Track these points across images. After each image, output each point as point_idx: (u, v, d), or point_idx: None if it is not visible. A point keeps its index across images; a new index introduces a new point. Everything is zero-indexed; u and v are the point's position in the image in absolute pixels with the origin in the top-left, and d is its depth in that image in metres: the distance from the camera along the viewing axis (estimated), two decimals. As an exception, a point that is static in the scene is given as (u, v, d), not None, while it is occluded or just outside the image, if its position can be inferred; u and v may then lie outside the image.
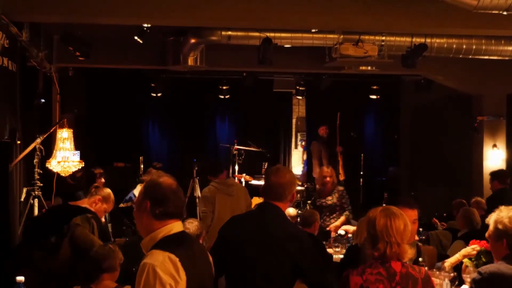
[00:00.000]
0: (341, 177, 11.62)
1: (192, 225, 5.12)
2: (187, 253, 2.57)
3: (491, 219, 3.34)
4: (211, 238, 5.16)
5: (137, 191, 7.92)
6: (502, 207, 3.35)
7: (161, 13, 6.30)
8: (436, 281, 3.81)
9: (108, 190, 5.61)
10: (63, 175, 6.81)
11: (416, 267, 3.05)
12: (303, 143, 13.07)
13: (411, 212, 3.76)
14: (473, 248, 4.50)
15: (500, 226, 3.26)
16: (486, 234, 3.40)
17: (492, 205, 7.55)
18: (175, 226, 2.63)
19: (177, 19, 6.52)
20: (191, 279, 2.50)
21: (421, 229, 6.38)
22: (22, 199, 6.37)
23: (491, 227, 3.33)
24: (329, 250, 6.60)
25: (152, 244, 2.57)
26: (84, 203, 5.41)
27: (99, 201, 5.44)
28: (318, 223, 6.26)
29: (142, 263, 2.47)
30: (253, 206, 9.72)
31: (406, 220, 3.06)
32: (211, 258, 2.83)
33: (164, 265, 2.43)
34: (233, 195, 6.82)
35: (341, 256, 5.74)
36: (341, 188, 7.51)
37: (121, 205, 8.19)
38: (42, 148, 6.32)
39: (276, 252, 3.25)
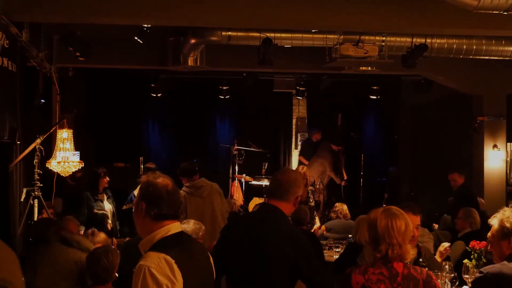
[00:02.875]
0: (344, 178, 11.63)
1: (188, 225, 5.12)
2: (185, 254, 2.57)
3: (495, 219, 3.34)
4: None
5: (137, 191, 7.92)
6: (506, 208, 3.35)
7: (161, 13, 6.29)
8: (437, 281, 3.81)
9: (102, 236, 5.44)
10: (63, 175, 6.81)
11: (418, 268, 3.04)
12: (303, 144, 13.07)
13: (414, 218, 3.78)
14: (445, 248, 4.85)
15: (508, 225, 3.26)
16: (489, 234, 3.39)
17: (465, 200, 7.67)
18: (173, 227, 2.63)
19: (177, 19, 6.52)
20: (189, 280, 2.49)
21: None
22: (22, 200, 6.36)
23: (495, 227, 3.32)
24: (330, 252, 6.63)
25: (149, 245, 2.57)
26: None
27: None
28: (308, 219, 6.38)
29: (138, 265, 2.47)
30: (253, 206, 9.74)
31: (407, 220, 3.06)
32: (211, 258, 2.83)
33: (160, 267, 2.43)
34: (203, 196, 6.77)
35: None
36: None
37: (124, 207, 8.21)
38: (42, 148, 6.31)
39: (275, 253, 3.25)
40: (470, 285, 3.95)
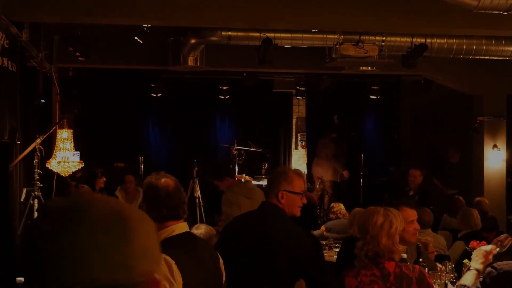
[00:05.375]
0: (346, 175, 11.63)
1: (198, 231, 5.11)
2: (188, 255, 2.57)
3: None
4: None
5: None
6: None
7: (161, 13, 6.29)
8: (437, 281, 3.80)
9: (84, 188, 5.43)
10: (63, 175, 6.81)
11: (410, 265, 3.03)
12: (303, 143, 13.07)
13: (410, 211, 3.77)
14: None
15: None
16: None
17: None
18: (178, 227, 2.62)
19: (177, 19, 6.52)
20: (190, 281, 2.49)
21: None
22: (22, 200, 6.36)
23: None
24: (330, 252, 6.62)
25: None
26: None
27: None
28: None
29: None
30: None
31: (393, 220, 3.03)
32: (221, 260, 2.83)
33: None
34: (253, 198, 6.63)
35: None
36: None
37: None
38: (42, 148, 6.31)
39: (276, 252, 3.25)
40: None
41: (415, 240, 3.92)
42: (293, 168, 12.60)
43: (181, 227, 2.64)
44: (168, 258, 2.46)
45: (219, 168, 6.87)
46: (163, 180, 2.67)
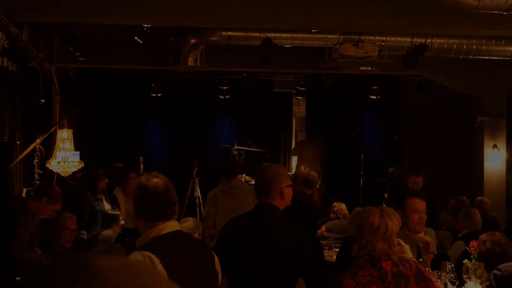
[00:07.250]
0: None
1: (185, 225, 5.14)
2: (174, 253, 2.59)
3: None
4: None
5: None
6: None
7: (161, 13, 6.29)
8: (437, 281, 3.80)
9: (56, 189, 5.41)
10: (63, 175, 6.81)
11: (406, 264, 3.02)
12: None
13: (417, 201, 3.82)
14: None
15: None
16: None
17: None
18: (167, 227, 2.65)
19: (177, 19, 6.52)
20: (177, 279, 2.50)
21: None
22: (22, 200, 6.35)
23: None
24: (330, 252, 6.62)
25: (142, 244, 2.60)
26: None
27: (44, 201, 5.25)
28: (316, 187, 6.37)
29: None
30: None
31: (389, 222, 3.02)
32: (217, 260, 2.83)
33: None
34: (236, 197, 6.69)
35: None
36: None
37: None
38: (42, 148, 6.31)
39: (276, 252, 3.25)
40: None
41: (421, 230, 3.96)
42: (293, 168, 12.64)
43: (170, 226, 2.66)
44: (153, 256, 2.48)
45: (224, 165, 6.98)
46: (153, 180, 2.69)
